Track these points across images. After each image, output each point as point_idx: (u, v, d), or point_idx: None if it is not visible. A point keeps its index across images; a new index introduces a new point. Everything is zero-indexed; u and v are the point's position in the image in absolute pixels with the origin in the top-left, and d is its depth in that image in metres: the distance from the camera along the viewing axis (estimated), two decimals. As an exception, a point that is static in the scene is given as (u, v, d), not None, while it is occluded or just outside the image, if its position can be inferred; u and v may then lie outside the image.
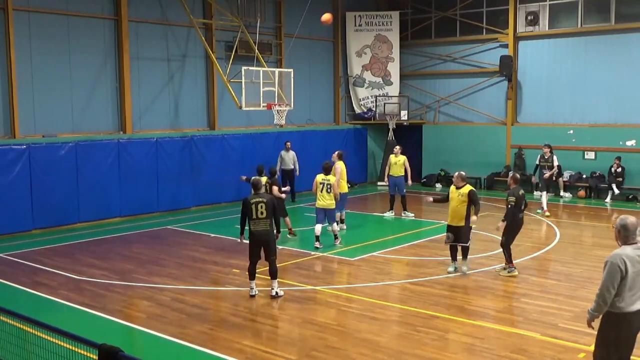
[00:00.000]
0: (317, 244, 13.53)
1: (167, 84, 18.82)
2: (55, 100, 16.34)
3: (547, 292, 10.30)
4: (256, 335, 8.47)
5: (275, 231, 10.33)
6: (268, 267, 10.10)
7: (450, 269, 11.52)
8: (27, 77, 15.77)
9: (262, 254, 10.09)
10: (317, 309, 9.59)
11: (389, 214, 17.52)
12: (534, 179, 20.22)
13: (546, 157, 17.42)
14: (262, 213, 9.96)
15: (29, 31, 15.74)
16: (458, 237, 11.33)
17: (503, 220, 11.23)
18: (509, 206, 11.24)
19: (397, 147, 17.86)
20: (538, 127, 22.01)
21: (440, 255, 12.89)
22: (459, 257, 11.55)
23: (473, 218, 11.21)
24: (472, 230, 11.50)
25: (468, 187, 11.27)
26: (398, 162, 17.05)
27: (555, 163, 17.44)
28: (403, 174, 17.08)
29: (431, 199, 12.56)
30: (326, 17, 16.71)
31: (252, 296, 10.10)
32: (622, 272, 5.59)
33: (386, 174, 17.98)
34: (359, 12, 24.72)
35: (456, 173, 11.45)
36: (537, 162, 17.82)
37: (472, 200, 11.15)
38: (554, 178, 17.96)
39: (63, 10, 16.33)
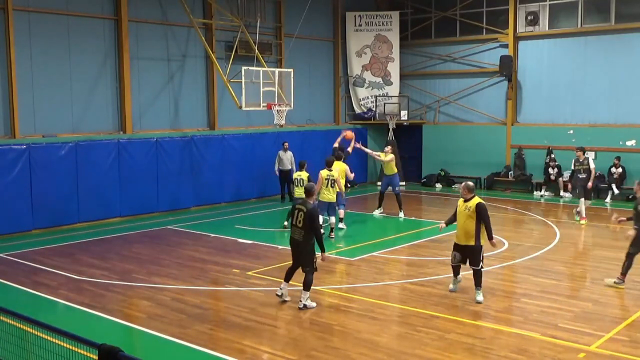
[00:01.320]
0: (331, 235, 14.51)
1: (167, 84, 18.82)
2: (55, 100, 16.34)
3: (547, 292, 10.30)
4: (256, 335, 8.46)
5: (321, 250, 9.68)
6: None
7: (452, 286, 10.33)
8: (27, 77, 15.77)
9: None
10: (317, 309, 9.58)
11: (377, 212, 17.66)
12: (567, 184, 19.67)
13: (581, 160, 16.22)
14: (299, 222, 9.56)
15: (29, 31, 15.73)
16: (466, 258, 9.92)
17: (635, 228, 10.24)
18: None
19: (388, 147, 18.07)
20: (538, 127, 22.02)
21: (440, 255, 12.89)
22: (472, 284, 10.05)
23: (493, 242, 9.82)
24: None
25: (476, 200, 9.77)
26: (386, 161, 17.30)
27: (592, 166, 16.07)
28: (395, 172, 17.26)
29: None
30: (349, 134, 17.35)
31: (278, 296, 9.80)
32: None
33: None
34: (359, 12, 24.72)
35: (462, 184, 10.12)
36: (572, 167, 16.67)
37: (480, 216, 9.65)
38: (590, 184, 16.24)
39: (63, 10, 16.33)
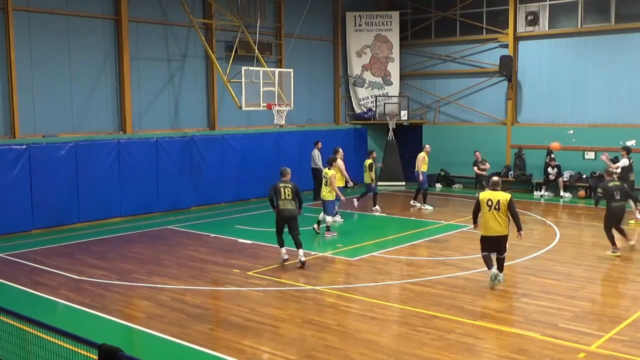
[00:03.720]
0: (315, 226, 15.11)
1: (167, 84, 18.82)
2: (55, 100, 16.34)
3: (547, 292, 10.30)
4: (256, 335, 8.47)
5: (300, 208, 12.19)
6: (294, 241, 11.98)
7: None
8: (27, 77, 15.77)
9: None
10: (317, 309, 9.59)
11: (427, 206, 18.83)
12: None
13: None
14: (288, 195, 11.98)
15: (29, 31, 15.74)
16: None
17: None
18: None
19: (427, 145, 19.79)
20: (538, 127, 22.01)
21: (440, 255, 12.90)
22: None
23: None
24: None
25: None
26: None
27: (619, 164, 16.25)
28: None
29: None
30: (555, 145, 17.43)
31: (285, 260, 12.04)
32: None
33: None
34: (359, 12, 24.72)
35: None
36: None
37: None
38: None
39: (63, 10, 16.33)
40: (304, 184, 21.25)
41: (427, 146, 19.43)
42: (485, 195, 10.58)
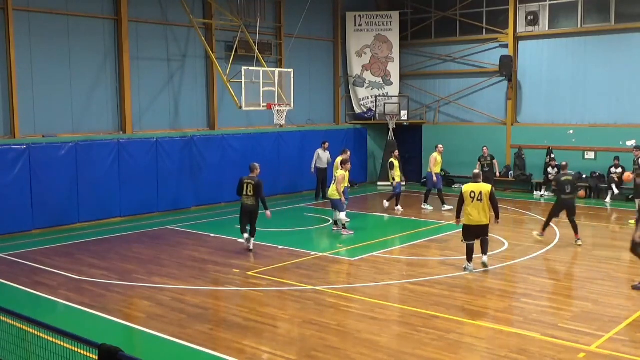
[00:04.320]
0: (334, 228, 15.44)
1: (167, 84, 18.81)
2: (55, 100, 16.33)
3: (547, 292, 10.30)
4: (256, 335, 8.46)
5: (264, 207, 12.95)
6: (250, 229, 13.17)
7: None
8: (27, 77, 15.77)
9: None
10: (317, 309, 9.59)
11: (429, 207, 18.66)
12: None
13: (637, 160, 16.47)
14: (250, 191, 12.82)
15: (29, 31, 15.73)
16: None
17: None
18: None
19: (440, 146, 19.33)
20: (538, 127, 22.02)
21: (440, 255, 12.90)
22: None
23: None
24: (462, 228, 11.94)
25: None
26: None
27: None
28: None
29: None
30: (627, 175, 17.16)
31: (248, 245, 13.10)
32: None
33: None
34: (359, 12, 24.72)
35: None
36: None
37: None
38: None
39: (63, 10, 16.33)
40: (304, 184, 21.41)
41: (440, 146, 18.94)
42: (468, 187, 11.42)
